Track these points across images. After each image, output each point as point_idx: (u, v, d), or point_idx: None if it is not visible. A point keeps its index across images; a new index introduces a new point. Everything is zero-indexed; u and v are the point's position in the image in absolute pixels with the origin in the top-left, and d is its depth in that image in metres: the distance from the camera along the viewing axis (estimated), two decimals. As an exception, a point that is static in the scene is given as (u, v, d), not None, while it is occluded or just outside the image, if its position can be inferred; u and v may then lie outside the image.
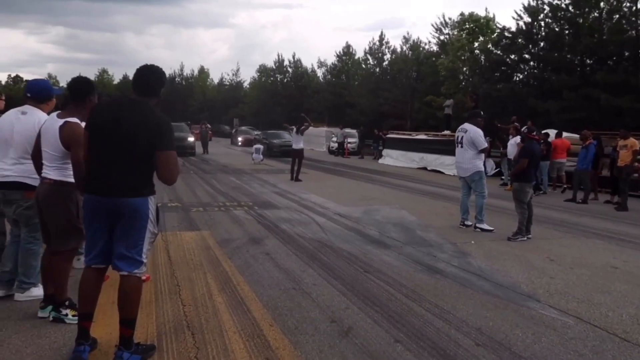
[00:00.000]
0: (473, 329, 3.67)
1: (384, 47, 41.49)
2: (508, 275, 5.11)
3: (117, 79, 78.31)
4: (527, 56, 27.14)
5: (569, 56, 24.27)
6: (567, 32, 24.44)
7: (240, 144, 34.64)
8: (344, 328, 3.62)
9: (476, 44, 30.82)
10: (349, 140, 28.04)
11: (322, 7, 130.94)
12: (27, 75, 74.64)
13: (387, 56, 40.79)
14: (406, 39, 38.85)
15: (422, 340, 3.44)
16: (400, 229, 7.42)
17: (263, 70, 58.02)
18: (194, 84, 69.65)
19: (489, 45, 29.46)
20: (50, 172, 3.48)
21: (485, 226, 7.29)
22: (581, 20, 23.66)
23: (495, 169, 13.49)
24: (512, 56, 27.50)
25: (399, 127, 30.47)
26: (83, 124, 3.45)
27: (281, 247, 6.06)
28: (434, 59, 33.67)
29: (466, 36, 31.61)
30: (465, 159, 7.57)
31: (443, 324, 3.74)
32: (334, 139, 29.06)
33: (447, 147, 15.15)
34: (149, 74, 3.05)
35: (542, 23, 25.94)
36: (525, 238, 6.80)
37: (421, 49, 37.35)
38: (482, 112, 8.16)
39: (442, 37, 34.67)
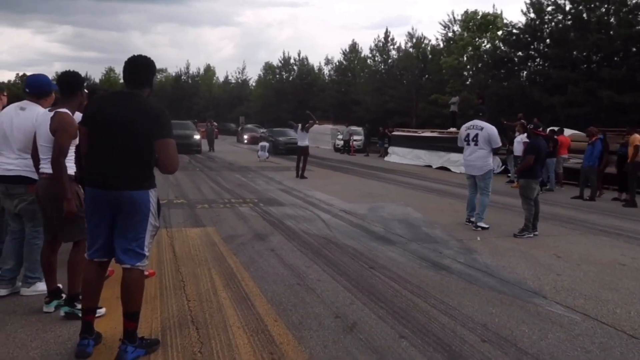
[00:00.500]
0: (479, 325, 3.64)
1: (389, 44, 41.34)
2: (514, 271, 5.08)
3: (123, 78, 78.66)
4: (532, 53, 26.94)
5: (574, 52, 24.05)
6: (572, 27, 24.23)
7: (246, 141, 34.71)
8: (349, 324, 3.60)
9: (484, 41, 30.59)
10: (355, 137, 27.95)
11: (328, 6, 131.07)
12: (34, 74, 75.01)
13: (393, 53, 40.62)
14: (411, 35, 38.63)
15: (428, 336, 3.42)
16: (406, 225, 7.39)
17: (269, 67, 58.00)
18: (200, 82, 69.72)
19: (497, 42, 29.25)
20: (46, 166, 3.49)
21: (484, 224, 7.22)
22: (586, 17, 23.44)
23: (502, 166, 13.40)
24: (519, 53, 27.31)
25: (404, 125, 30.36)
26: (76, 117, 3.47)
27: (286, 243, 6.06)
28: (442, 55, 33.43)
29: (470, 34, 31.40)
30: (479, 157, 7.39)
31: (448, 320, 3.71)
32: (340, 136, 29.06)
33: (454, 145, 15.08)
34: (138, 65, 3.03)
35: (548, 18, 25.73)
36: (532, 235, 6.75)
37: (424, 45, 37.08)
38: (485, 109, 8.08)
39: (449, 34, 34.45)
